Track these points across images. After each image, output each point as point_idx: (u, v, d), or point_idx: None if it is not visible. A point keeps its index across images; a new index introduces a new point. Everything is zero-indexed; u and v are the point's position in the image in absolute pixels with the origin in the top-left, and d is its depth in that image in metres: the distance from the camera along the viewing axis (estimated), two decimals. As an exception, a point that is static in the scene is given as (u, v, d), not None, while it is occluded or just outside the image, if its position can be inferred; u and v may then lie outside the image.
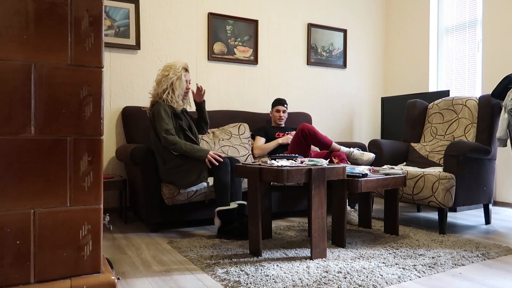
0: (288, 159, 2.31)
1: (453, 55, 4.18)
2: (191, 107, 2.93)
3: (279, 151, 3.40)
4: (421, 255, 2.10)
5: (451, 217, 3.23)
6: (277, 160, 2.29)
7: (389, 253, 2.13)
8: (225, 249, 2.23)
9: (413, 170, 2.79)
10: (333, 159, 2.88)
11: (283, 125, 3.60)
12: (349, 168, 2.37)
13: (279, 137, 3.49)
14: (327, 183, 2.14)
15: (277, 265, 1.92)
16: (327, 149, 2.95)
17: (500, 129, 2.52)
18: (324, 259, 2.03)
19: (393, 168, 2.67)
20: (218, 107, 3.79)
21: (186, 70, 2.75)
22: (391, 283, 1.70)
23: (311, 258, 2.03)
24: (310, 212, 2.13)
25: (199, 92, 2.81)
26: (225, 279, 1.75)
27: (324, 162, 2.13)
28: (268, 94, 4.05)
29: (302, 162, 2.18)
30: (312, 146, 3.04)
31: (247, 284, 1.68)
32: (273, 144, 3.42)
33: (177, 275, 1.83)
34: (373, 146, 3.22)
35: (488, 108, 2.92)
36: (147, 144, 2.87)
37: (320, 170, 2.03)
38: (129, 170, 3.07)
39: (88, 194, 1.26)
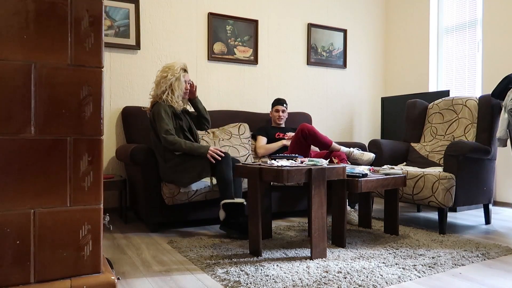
0: (288, 159, 2.31)
1: (453, 55, 4.18)
2: (191, 107, 2.93)
3: (279, 151, 3.40)
4: (421, 255, 2.10)
5: (451, 217, 3.23)
6: (277, 160, 2.29)
7: (389, 253, 2.13)
8: (225, 249, 2.23)
9: (413, 170, 2.79)
10: (333, 159, 2.88)
11: (283, 125, 3.60)
12: (349, 168, 2.37)
13: (279, 137, 3.49)
14: (327, 183, 2.14)
15: (277, 265, 1.92)
16: (327, 149, 2.95)
17: (500, 129, 2.52)
18: (324, 259, 2.03)
19: (393, 168, 2.67)
20: (218, 107, 3.79)
21: (185, 70, 2.75)
22: (391, 283, 1.70)
23: (311, 258, 2.03)
24: (310, 212, 2.13)
25: (191, 88, 2.81)
26: (225, 279, 1.75)
27: (324, 162, 2.13)
28: (268, 94, 4.05)
29: (302, 162, 2.18)
30: (312, 146, 3.04)
31: (247, 284, 1.68)
32: (278, 144, 3.42)
33: (177, 275, 1.83)
34: (373, 146, 3.22)
35: (488, 108, 2.92)
36: (147, 144, 2.87)
37: (320, 170, 2.03)
38: (129, 170, 3.07)
39: (88, 194, 1.26)
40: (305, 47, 4.25)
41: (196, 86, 2.84)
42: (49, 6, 1.21)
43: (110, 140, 3.33)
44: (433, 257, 2.06)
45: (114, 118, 3.34)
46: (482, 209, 3.40)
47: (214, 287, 1.68)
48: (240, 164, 2.29)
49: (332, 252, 2.15)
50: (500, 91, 2.59)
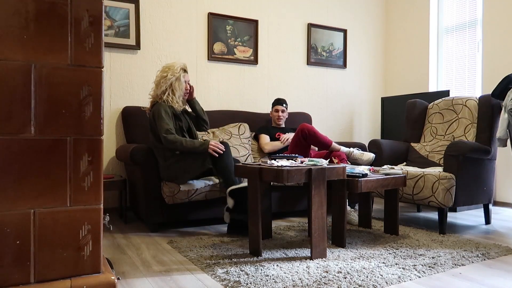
0: (288, 159, 2.31)
1: (453, 55, 4.18)
2: (189, 108, 2.94)
3: (279, 151, 3.40)
4: (421, 255, 2.10)
5: (451, 217, 3.23)
6: (277, 160, 2.29)
7: (389, 253, 2.13)
8: (225, 249, 2.23)
9: (413, 170, 2.79)
10: (333, 159, 2.88)
11: (283, 125, 3.60)
12: (349, 168, 2.37)
13: (279, 137, 3.49)
14: (327, 183, 2.14)
15: (277, 265, 1.92)
16: (327, 149, 2.95)
17: (500, 129, 2.52)
18: (324, 259, 2.03)
19: (393, 168, 2.67)
20: (218, 107, 3.79)
21: (185, 70, 2.75)
22: (391, 283, 1.70)
23: (311, 258, 2.03)
24: (310, 212, 2.13)
25: (190, 89, 2.83)
26: (225, 279, 1.75)
27: (324, 162, 2.13)
28: (268, 94, 4.05)
29: (302, 162, 2.18)
30: (312, 146, 3.04)
31: (247, 284, 1.68)
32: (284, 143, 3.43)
33: (177, 275, 1.83)
34: (373, 146, 3.22)
35: (488, 108, 2.92)
36: (147, 144, 2.87)
37: (320, 170, 2.03)
38: (129, 170, 3.07)
39: (88, 194, 1.26)
40: (305, 47, 4.25)
41: (193, 87, 2.84)
42: (49, 6, 1.21)
43: (110, 140, 3.33)
44: (433, 257, 2.06)
45: (114, 118, 3.34)
46: (482, 209, 3.40)
47: (214, 287, 1.68)
48: (240, 164, 2.29)
49: (332, 252, 2.15)
50: (500, 91, 2.59)
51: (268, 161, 2.21)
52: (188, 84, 2.79)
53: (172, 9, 3.56)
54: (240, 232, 2.57)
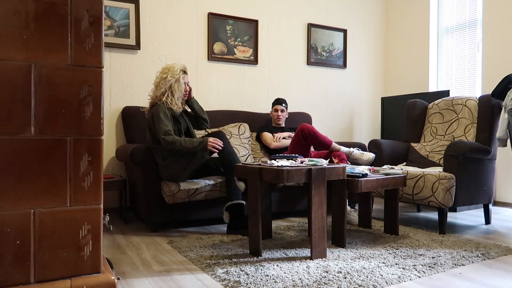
0: (288, 159, 2.31)
1: (453, 55, 4.18)
2: (188, 108, 2.94)
3: (279, 151, 3.40)
4: (421, 255, 2.10)
5: (451, 217, 3.23)
6: (277, 160, 2.29)
7: (389, 253, 2.13)
8: (225, 249, 2.23)
9: (413, 170, 2.79)
10: (333, 159, 2.87)
11: (282, 125, 3.60)
12: (349, 168, 2.37)
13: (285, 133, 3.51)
14: (327, 183, 2.14)
15: (277, 265, 1.92)
16: (327, 149, 2.95)
17: (500, 129, 2.52)
18: (324, 259, 2.03)
19: (393, 168, 2.67)
20: (218, 107, 3.79)
21: (185, 72, 2.75)
22: (391, 283, 1.70)
23: (311, 258, 2.03)
24: (310, 212, 2.13)
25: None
26: (225, 279, 1.75)
27: (324, 162, 2.13)
28: (268, 94, 4.05)
29: (302, 162, 2.18)
30: (312, 146, 3.04)
31: (247, 284, 1.68)
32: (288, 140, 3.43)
33: (177, 275, 1.83)
34: (373, 146, 3.22)
35: (488, 108, 2.92)
36: (147, 144, 2.86)
37: (320, 170, 2.03)
38: (129, 170, 3.07)
39: (88, 194, 1.26)
40: (305, 47, 4.25)
41: (191, 88, 2.84)
42: (49, 6, 1.21)
43: (110, 140, 3.33)
44: (433, 257, 2.06)
45: (114, 118, 3.34)
46: (482, 209, 3.40)
47: (214, 287, 1.68)
48: (240, 164, 2.29)
49: (332, 252, 2.15)
50: (500, 91, 2.59)
51: (268, 161, 2.21)
52: (188, 85, 2.79)
53: (172, 9, 3.56)
54: (240, 232, 2.58)
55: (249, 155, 3.41)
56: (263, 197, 2.40)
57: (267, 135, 3.48)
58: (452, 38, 4.18)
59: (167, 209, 2.68)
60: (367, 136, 4.71)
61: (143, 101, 3.40)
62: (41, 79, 1.20)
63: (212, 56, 3.72)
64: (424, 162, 3.11)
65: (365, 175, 2.27)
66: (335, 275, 1.79)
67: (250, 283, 1.68)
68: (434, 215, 3.33)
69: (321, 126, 4.37)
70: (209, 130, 3.40)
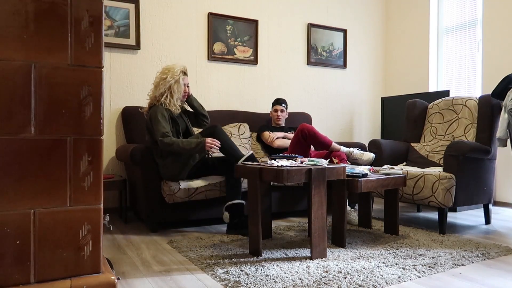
0: (288, 159, 2.31)
1: (453, 55, 4.18)
2: (187, 106, 2.93)
3: (279, 151, 3.40)
4: (421, 255, 2.10)
5: (451, 217, 3.23)
6: (277, 160, 2.29)
7: (389, 253, 2.13)
8: (225, 249, 2.23)
9: (413, 170, 2.79)
10: (333, 159, 2.87)
11: (282, 125, 3.61)
12: (349, 168, 2.37)
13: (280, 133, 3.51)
14: (327, 183, 2.14)
15: (277, 265, 1.92)
16: (327, 149, 2.95)
17: (500, 129, 2.52)
18: (324, 259, 2.03)
19: (393, 168, 2.67)
20: (218, 107, 3.79)
21: (185, 73, 2.74)
22: (391, 283, 1.70)
23: (311, 258, 2.03)
24: (310, 212, 2.14)
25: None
26: (225, 279, 1.75)
27: (324, 162, 2.13)
28: (268, 94, 4.05)
29: (302, 162, 2.18)
30: (312, 146, 3.04)
31: (247, 284, 1.68)
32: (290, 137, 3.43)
33: (177, 275, 1.83)
34: (373, 146, 3.22)
35: (488, 108, 2.92)
36: (146, 144, 2.87)
37: (320, 170, 2.03)
38: (129, 170, 3.07)
39: (88, 194, 1.26)
40: (305, 47, 4.25)
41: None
42: (49, 6, 1.21)
43: (110, 140, 3.33)
44: (433, 257, 2.06)
45: (114, 118, 3.34)
46: (482, 209, 3.40)
47: (214, 287, 1.68)
48: (240, 164, 2.29)
49: (332, 252, 2.15)
50: (500, 91, 2.59)
51: (268, 161, 2.21)
52: (187, 87, 2.78)
53: (172, 9, 3.56)
54: (239, 232, 2.57)
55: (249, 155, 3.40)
56: (263, 197, 2.40)
57: (265, 135, 3.49)
58: (452, 38, 4.18)
59: (167, 209, 2.68)
60: (367, 136, 4.71)
61: (143, 101, 3.40)
62: (41, 79, 1.20)
63: (212, 56, 3.72)
64: (424, 162, 3.11)
65: (365, 175, 2.27)
66: (335, 275, 1.79)
67: (250, 283, 1.68)
68: (434, 215, 3.33)
69: (321, 126, 4.37)
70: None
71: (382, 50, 4.82)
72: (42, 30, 1.20)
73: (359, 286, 1.66)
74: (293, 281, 1.72)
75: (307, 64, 4.26)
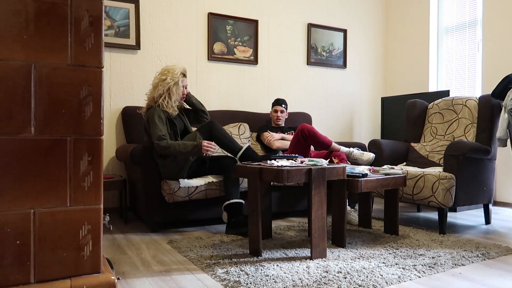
0: (288, 159, 2.31)
1: (453, 55, 4.18)
2: (186, 104, 2.93)
3: (282, 149, 3.40)
4: (421, 255, 2.10)
5: (451, 217, 3.23)
6: (277, 160, 2.29)
7: (389, 253, 2.13)
8: (225, 249, 2.23)
9: (413, 170, 2.79)
10: (333, 159, 2.88)
11: (282, 125, 3.61)
12: (349, 168, 2.37)
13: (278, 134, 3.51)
14: (327, 183, 2.14)
15: (277, 265, 1.92)
16: (327, 149, 2.95)
17: (500, 129, 2.52)
18: (324, 259, 2.03)
19: (393, 168, 2.67)
20: (218, 107, 3.79)
21: (184, 75, 2.74)
22: (391, 283, 1.70)
23: (311, 258, 2.03)
24: (310, 212, 2.14)
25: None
26: (225, 279, 1.75)
27: (324, 162, 2.13)
28: (268, 94, 4.05)
29: (302, 162, 2.18)
30: (312, 146, 3.04)
31: (247, 284, 1.68)
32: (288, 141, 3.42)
33: (177, 275, 1.83)
34: (373, 146, 3.22)
35: (488, 108, 2.92)
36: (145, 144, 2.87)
37: (320, 170, 2.03)
38: (129, 170, 3.07)
39: (88, 194, 1.26)
40: (305, 47, 4.25)
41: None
42: (49, 6, 1.21)
43: (110, 140, 3.33)
44: (433, 257, 2.06)
45: (114, 118, 3.34)
46: (482, 209, 3.40)
47: (214, 287, 1.68)
48: (240, 164, 2.29)
49: (332, 252, 2.15)
50: (500, 91, 2.59)
51: (268, 161, 2.21)
52: (186, 88, 2.78)
53: (172, 9, 3.56)
54: (237, 232, 2.56)
55: (249, 155, 3.40)
56: (263, 197, 2.40)
57: (264, 135, 3.48)
58: (452, 38, 4.18)
59: (167, 209, 2.68)
60: (367, 136, 4.71)
61: (143, 101, 3.39)
62: (41, 79, 1.20)
63: (212, 56, 3.72)
64: (424, 162, 3.11)
65: (365, 175, 2.27)
66: (335, 275, 1.79)
67: (250, 283, 1.68)
68: (434, 215, 3.33)
69: (321, 126, 4.37)
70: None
71: (382, 50, 4.82)
72: (42, 30, 1.20)
73: (359, 286, 1.66)
74: (293, 281, 1.72)
75: (307, 64, 4.26)
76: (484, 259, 2.05)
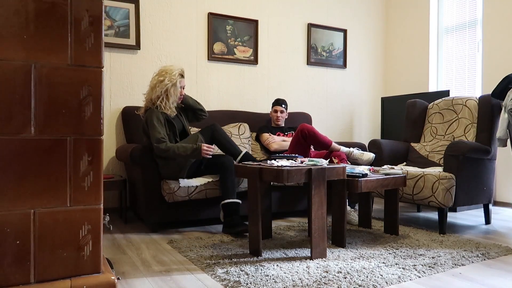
0: (288, 159, 2.31)
1: (453, 55, 4.18)
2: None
3: (280, 152, 3.40)
4: (421, 255, 2.10)
5: (451, 217, 3.23)
6: (277, 160, 2.29)
7: (389, 253, 2.13)
8: (225, 249, 2.23)
9: (413, 170, 2.79)
10: (333, 159, 2.88)
11: (282, 125, 3.61)
12: (349, 168, 2.37)
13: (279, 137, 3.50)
14: (327, 183, 2.14)
15: (277, 265, 1.92)
16: (327, 149, 2.95)
17: (500, 129, 2.52)
18: (324, 259, 2.03)
19: (393, 168, 2.67)
20: (218, 107, 3.79)
21: (182, 75, 2.73)
22: (391, 283, 1.70)
23: (311, 258, 2.03)
24: (310, 212, 2.14)
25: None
26: (225, 279, 1.75)
27: (324, 162, 2.13)
28: (268, 94, 4.05)
29: (302, 162, 2.18)
30: (312, 146, 3.04)
31: (247, 284, 1.68)
32: (288, 142, 3.42)
33: (177, 275, 1.83)
34: (373, 146, 3.22)
35: (488, 108, 2.92)
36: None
37: (320, 170, 2.03)
38: (129, 170, 3.07)
39: (88, 194, 1.26)
40: (305, 47, 4.25)
41: None
42: (49, 6, 1.21)
43: (110, 140, 3.33)
44: (433, 257, 2.06)
45: (114, 118, 3.34)
46: (482, 209, 3.40)
47: (214, 287, 1.68)
48: (240, 164, 2.29)
49: (332, 252, 2.15)
50: (500, 91, 2.59)
51: (268, 161, 2.21)
52: (183, 88, 2.77)
53: (172, 9, 3.56)
54: (232, 231, 2.55)
55: (249, 155, 3.40)
56: (263, 197, 2.40)
57: (264, 136, 3.48)
58: (452, 38, 4.18)
59: (167, 209, 2.68)
60: (367, 136, 4.71)
61: (143, 101, 3.40)
62: (41, 79, 1.20)
63: (212, 56, 3.72)
64: (424, 162, 3.11)
65: (365, 175, 2.27)
66: (335, 275, 1.79)
67: (250, 283, 1.68)
68: (434, 215, 3.33)
69: (321, 126, 4.37)
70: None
71: (382, 50, 4.82)
72: (42, 30, 1.20)
73: (359, 286, 1.66)
74: (293, 281, 1.72)
75: (307, 64, 4.26)
76: (484, 259, 2.05)
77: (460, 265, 1.95)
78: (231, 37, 3.81)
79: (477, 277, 1.80)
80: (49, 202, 1.21)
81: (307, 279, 1.74)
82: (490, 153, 2.75)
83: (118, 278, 1.57)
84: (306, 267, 1.90)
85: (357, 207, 3.44)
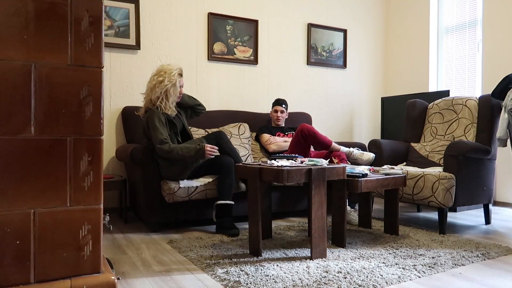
0: (288, 159, 2.31)
1: (453, 55, 4.18)
2: None
3: (280, 152, 3.40)
4: (421, 255, 2.10)
5: (451, 217, 3.23)
6: (277, 160, 2.29)
7: (389, 253, 2.13)
8: (225, 249, 2.23)
9: (413, 170, 2.79)
10: (333, 159, 2.88)
11: (282, 125, 3.61)
12: (349, 168, 2.37)
13: (279, 137, 3.50)
14: (327, 183, 2.14)
15: (277, 265, 1.92)
16: (327, 149, 2.95)
17: (500, 129, 2.52)
18: (324, 259, 2.03)
19: (393, 168, 2.67)
20: (218, 107, 3.79)
21: (181, 75, 2.72)
22: (391, 283, 1.70)
23: (311, 258, 2.03)
24: (310, 212, 2.14)
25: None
26: (225, 279, 1.75)
27: (324, 162, 2.13)
28: (268, 94, 4.05)
29: (302, 162, 2.18)
30: (312, 146, 3.04)
31: (247, 284, 1.68)
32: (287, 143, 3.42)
33: (177, 275, 1.83)
34: (373, 146, 3.22)
35: (488, 108, 2.92)
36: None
37: (320, 170, 2.03)
38: (129, 170, 3.07)
39: (88, 194, 1.26)
40: (305, 47, 4.25)
41: None
42: (49, 6, 1.21)
43: (110, 140, 3.33)
44: (433, 257, 2.06)
45: (114, 118, 3.34)
46: (482, 209, 3.40)
47: (214, 287, 1.68)
48: (240, 164, 2.29)
49: (332, 252, 2.15)
50: (500, 91, 2.59)
51: (268, 161, 2.21)
52: (182, 88, 2.76)
53: (172, 9, 3.56)
54: (223, 233, 2.56)
55: (249, 155, 3.41)
56: (263, 197, 2.40)
57: (264, 137, 3.48)
58: (452, 38, 4.18)
59: (167, 208, 2.68)
60: (367, 136, 4.71)
61: (142, 101, 3.40)
62: (41, 79, 1.20)
63: (212, 56, 3.72)
64: (424, 162, 3.11)
65: (365, 175, 2.27)
66: (335, 275, 1.79)
67: (250, 283, 1.68)
68: (434, 215, 3.33)
69: (321, 126, 4.37)
70: (209, 130, 3.40)
71: (382, 50, 4.82)
72: (42, 30, 1.20)
73: (359, 286, 1.66)
74: (293, 281, 1.72)
75: (307, 64, 4.26)
76: (484, 259, 2.05)
77: (460, 265, 1.95)
78: (231, 37, 3.81)
79: (477, 277, 1.80)
80: (49, 202, 1.21)
81: (307, 279, 1.74)
82: (490, 153, 2.75)
83: (118, 278, 1.57)
84: (306, 267, 1.90)
85: (357, 207, 3.44)
